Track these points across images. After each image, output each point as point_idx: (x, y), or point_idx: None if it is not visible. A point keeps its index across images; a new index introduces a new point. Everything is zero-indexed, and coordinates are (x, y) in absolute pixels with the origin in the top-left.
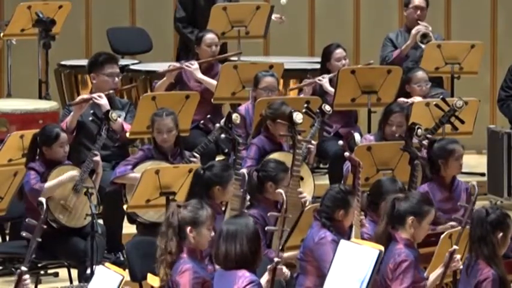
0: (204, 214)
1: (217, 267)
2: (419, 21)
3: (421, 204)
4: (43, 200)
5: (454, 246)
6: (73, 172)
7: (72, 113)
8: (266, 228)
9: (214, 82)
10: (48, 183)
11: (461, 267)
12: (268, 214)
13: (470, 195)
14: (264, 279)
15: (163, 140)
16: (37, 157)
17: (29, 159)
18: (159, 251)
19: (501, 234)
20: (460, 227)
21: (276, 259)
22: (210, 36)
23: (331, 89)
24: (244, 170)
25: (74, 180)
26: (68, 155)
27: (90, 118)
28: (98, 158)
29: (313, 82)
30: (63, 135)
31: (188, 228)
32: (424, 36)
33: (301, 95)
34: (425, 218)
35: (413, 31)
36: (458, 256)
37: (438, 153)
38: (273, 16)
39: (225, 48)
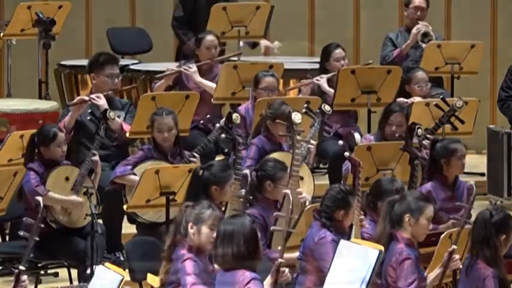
0: (207, 212)
1: (216, 267)
2: (419, 21)
3: (416, 201)
4: (40, 199)
5: (453, 246)
6: (80, 199)
7: (70, 113)
8: (272, 228)
9: (213, 85)
10: (52, 195)
11: (460, 266)
12: (274, 214)
13: (469, 195)
14: (267, 281)
15: (164, 139)
16: (35, 157)
17: (27, 160)
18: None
19: (504, 236)
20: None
21: (279, 260)
22: (209, 39)
23: (329, 89)
24: (247, 171)
25: (78, 206)
26: (67, 154)
27: (88, 118)
28: (96, 158)
29: (311, 82)
30: (61, 135)
31: (190, 225)
32: (425, 35)
33: (300, 95)
34: (422, 214)
35: (414, 30)
36: (457, 256)
37: (440, 152)
38: (262, 44)
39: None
